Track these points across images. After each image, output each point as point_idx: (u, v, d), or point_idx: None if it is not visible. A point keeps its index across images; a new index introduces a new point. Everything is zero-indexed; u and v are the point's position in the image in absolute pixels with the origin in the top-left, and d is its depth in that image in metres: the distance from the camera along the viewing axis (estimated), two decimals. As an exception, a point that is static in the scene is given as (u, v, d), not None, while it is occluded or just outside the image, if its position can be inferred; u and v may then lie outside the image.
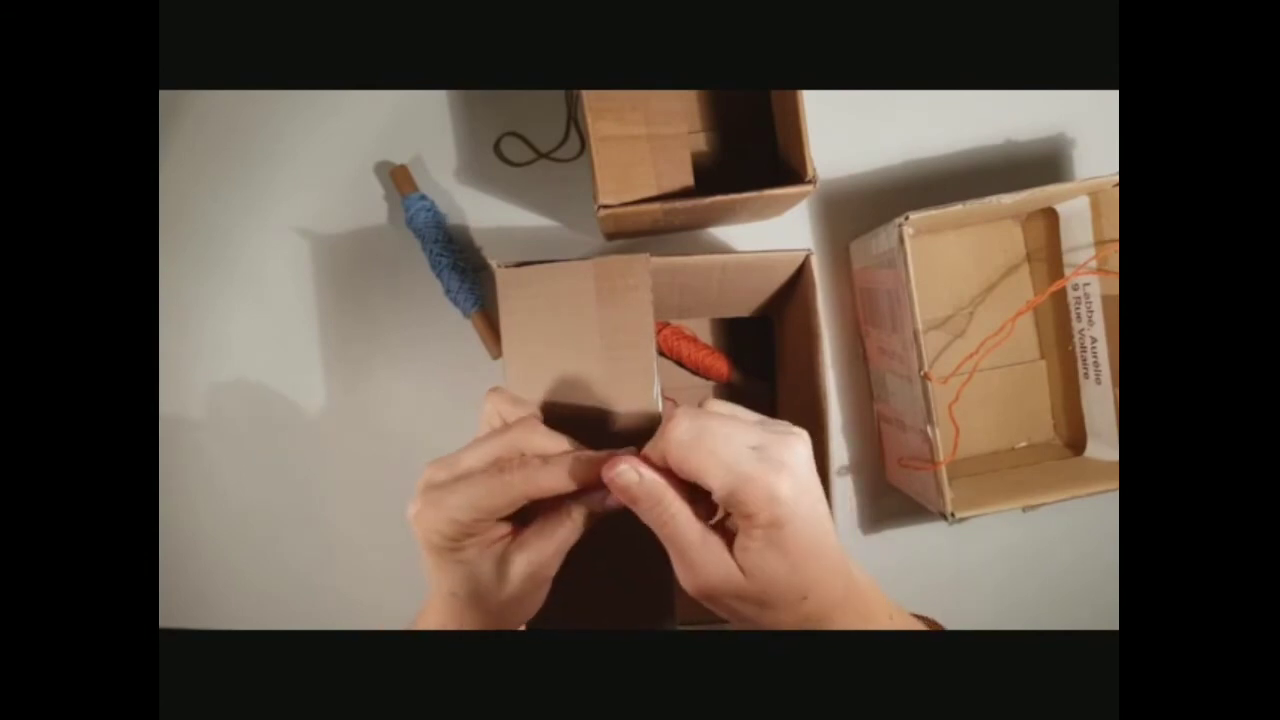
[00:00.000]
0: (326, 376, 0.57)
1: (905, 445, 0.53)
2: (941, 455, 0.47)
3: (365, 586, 0.57)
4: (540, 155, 0.57)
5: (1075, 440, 0.57)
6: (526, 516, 0.33)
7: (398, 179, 0.55)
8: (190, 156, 0.56)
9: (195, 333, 0.57)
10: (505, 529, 0.32)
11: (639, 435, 0.34)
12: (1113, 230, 0.52)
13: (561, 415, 0.37)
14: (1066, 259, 0.55)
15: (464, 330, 0.57)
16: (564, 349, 0.38)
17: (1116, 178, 0.49)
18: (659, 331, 0.56)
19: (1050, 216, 0.56)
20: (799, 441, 0.30)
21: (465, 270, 0.55)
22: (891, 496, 0.59)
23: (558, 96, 0.57)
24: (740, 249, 0.57)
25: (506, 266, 0.38)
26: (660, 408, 0.37)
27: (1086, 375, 0.56)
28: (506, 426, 0.33)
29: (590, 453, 0.32)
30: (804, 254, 0.47)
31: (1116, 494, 0.49)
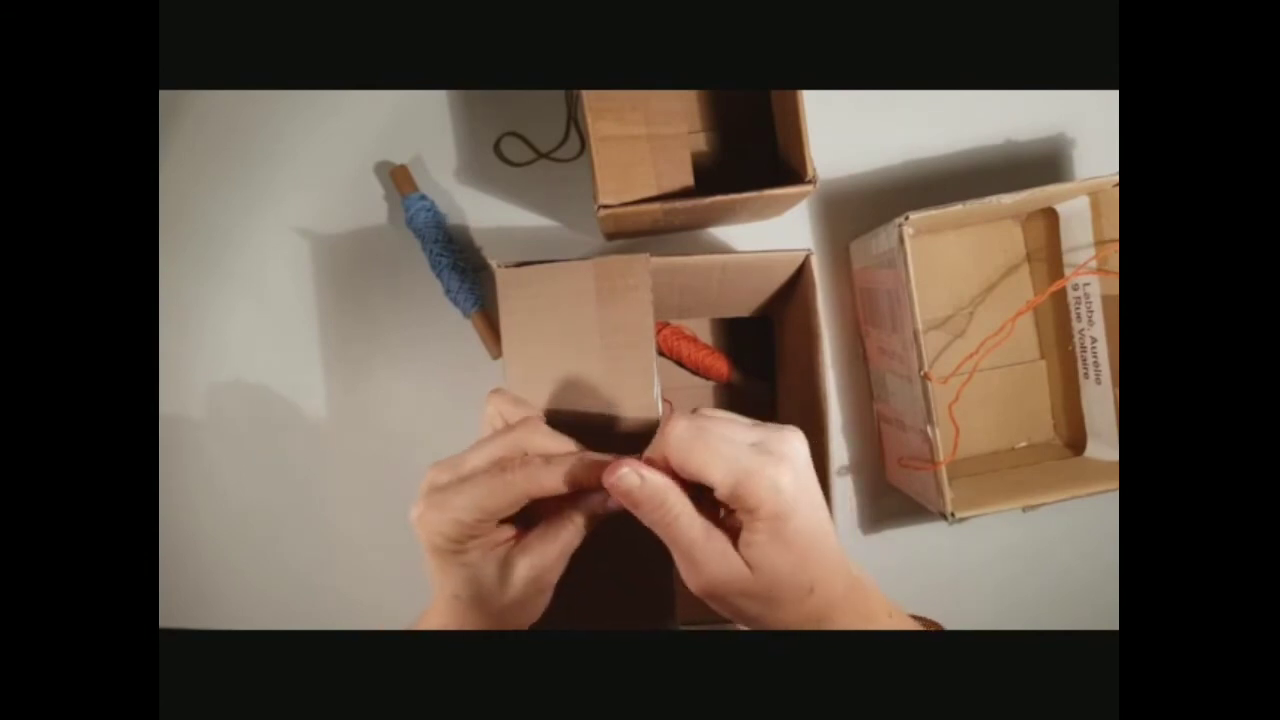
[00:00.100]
0: (326, 376, 0.57)
1: (905, 445, 0.53)
2: (941, 455, 0.47)
3: (365, 586, 0.57)
4: (540, 155, 0.57)
5: (1075, 440, 0.57)
6: (530, 521, 0.33)
7: (398, 179, 0.55)
8: (190, 156, 0.56)
9: (195, 333, 0.57)
10: (509, 532, 0.32)
11: (639, 435, 0.34)
12: (1113, 230, 0.52)
13: (562, 416, 0.37)
14: (1066, 259, 0.55)
15: (464, 330, 0.57)
16: (564, 349, 0.38)
17: (1116, 178, 0.49)
18: (659, 331, 0.56)
19: (1050, 216, 0.56)
20: (796, 437, 0.31)
21: (465, 270, 0.55)
22: (891, 496, 0.59)
23: (558, 96, 0.57)
24: (740, 249, 0.57)
25: (506, 267, 0.38)
26: (660, 408, 0.37)
27: (1086, 375, 0.56)
28: (509, 427, 0.33)
29: (593, 454, 0.32)
30: (804, 254, 0.47)
31: (1116, 494, 0.49)
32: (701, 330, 0.58)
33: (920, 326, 0.47)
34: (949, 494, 0.48)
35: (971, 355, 0.51)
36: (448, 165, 0.57)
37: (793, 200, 0.51)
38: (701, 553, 0.30)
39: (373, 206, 0.57)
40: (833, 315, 0.59)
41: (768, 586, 0.30)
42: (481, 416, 0.35)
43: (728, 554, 0.30)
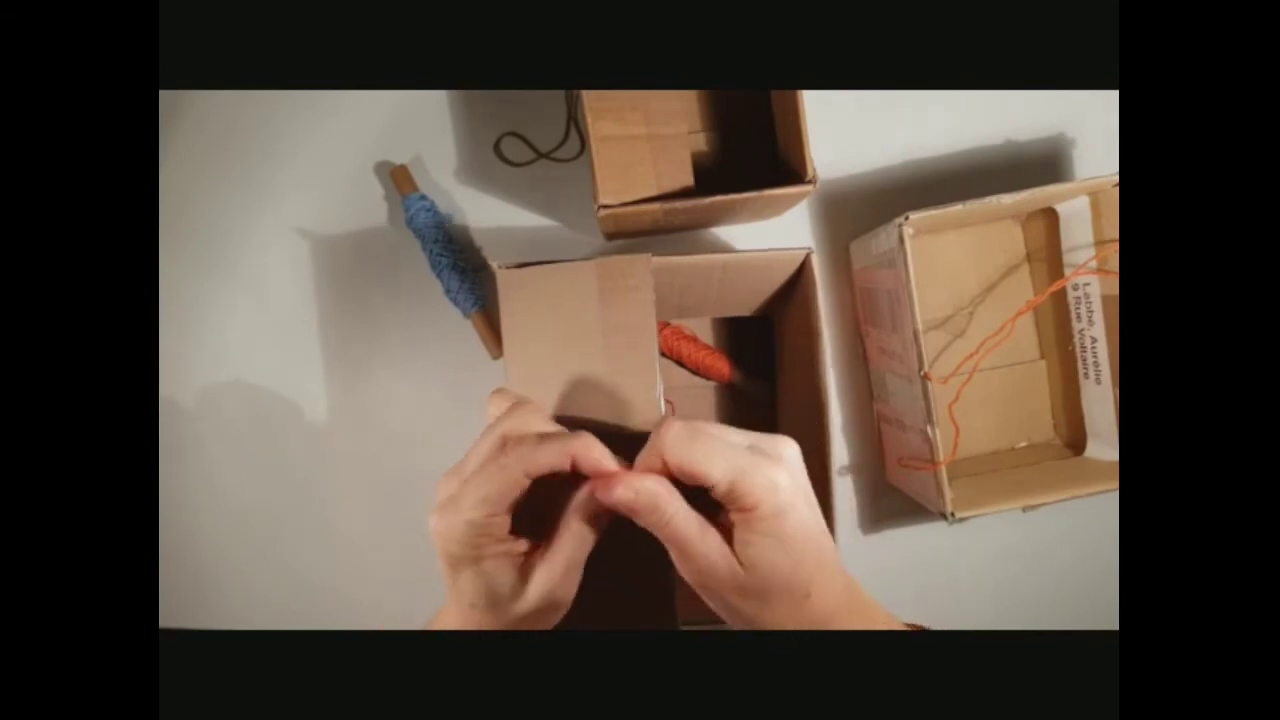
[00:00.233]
0: (326, 376, 0.57)
1: (905, 445, 0.53)
2: (941, 455, 0.47)
3: (365, 586, 0.57)
4: (540, 155, 0.57)
5: (1075, 440, 0.57)
6: (542, 535, 0.33)
7: (398, 179, 0.55)
8: (190, 156, 0.56)
9: (195, 333, 0.57)
10: (523, 545, 0.32)
11: (641, 436, 0.34)
12: (1113, 230, 0.52)
13: (564, 417, 0.37)
14: (1066, 259, 0.55)
15: (464, 330, 0.57)
16: (566, 350, 0.38)
17: (1116, 178, 0.49)
18: (659, 331, 0.56)
19: (1050, 216, 0.56)
20: (789, 443, 0.32)
21: (465, 270, 0.55)
22: (891, 496, 0.59)
23: (558, 96, 0.57)
24: (740, 249, 0.57)
25: (507, 268, 0.38)
26: (663, 408, 0.37)
27: (1086, 375, 0.56)
28: (501, 416, 0.33)
29: (586, 434, 0.32)
30: (804, 252, 0.47)
31: (1116, 494, 0.49)
32: (702, 330, 0.58)
33: (920, 326, 0.47)
34: (949, 494, 0.48)
35: (971, 355, 0.51)
36: (448, 165, 0.57)
37: (793, 200, 0.51)
38: (696, 547, 0.30)
39: (373, 206, 0.57)
40: (833, 315, 0.59)
41: (762, 585, 0.30)
42: (485, 417, 0.35)
43: (722, 549, 0.30)
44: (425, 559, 0.53)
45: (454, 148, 0.57)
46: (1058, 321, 0.58)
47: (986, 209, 0.48)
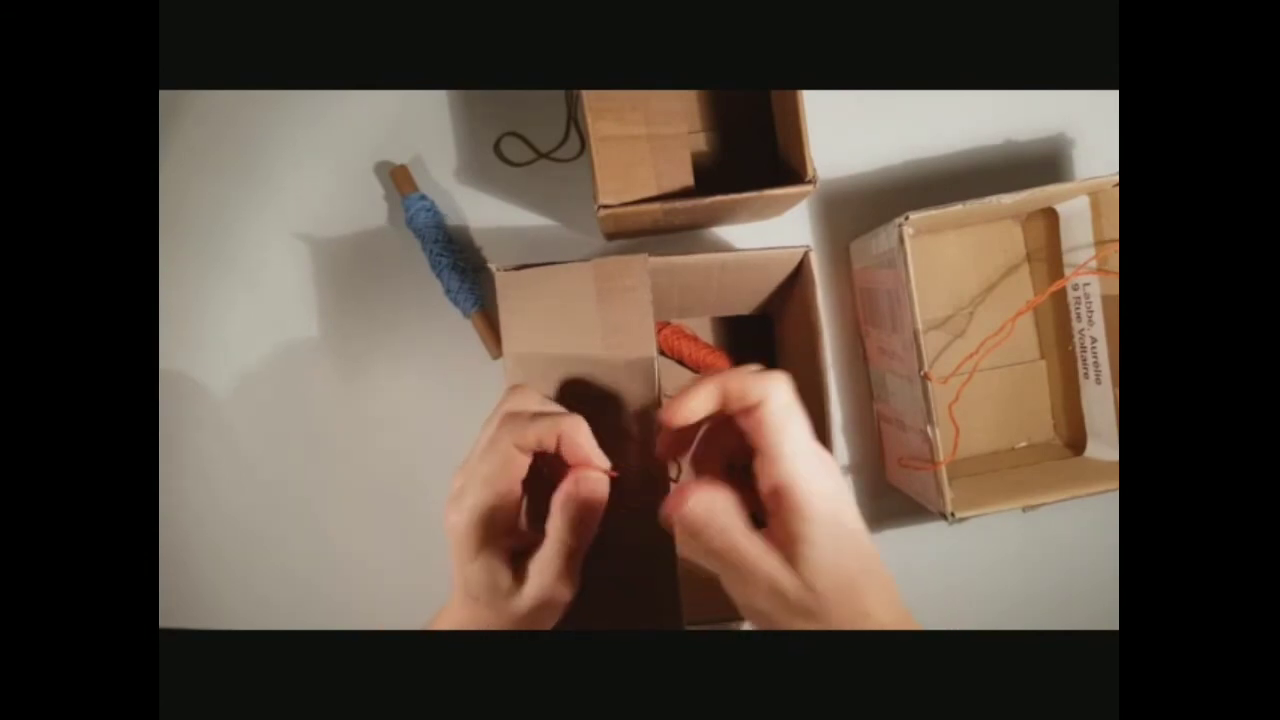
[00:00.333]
0: (326, 376, 0.57)
1: (905, 445, 0.53)
2: (941, 455, 0.47)
3: (364, 586, 0.57)
4: (540, 155, 0.57)
5: (1075, 440, 0.57)
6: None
7: (398, 179, 0.55)
8: (190, 156, 0.56)
9: (195, 332, 0.57)
10: (534, 539, 0.32)
11: (642, 436, 0.34)
12: (1113, 230, 0.52)
13: None
14: (1066, 259, 0.55)
15: (464, 330, 0.57)
16: (565, 351, 0.38)
17: (1116, 178, 0.49)
18: (659, 331, 0.56)
19: (1050, 216, 0.56)
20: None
21: (465, 270, 0.55)
22: (891, 496, 0.59)
23: (558, 96, 0.57)
24: (740, 249, 0.57)
25: (505, 270, 0.39)
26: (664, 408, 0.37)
27: (1086, 375, 0.56)
28: (501, 401, 0.33)
29: (577, 417, 0.32)
30: (803, 250, 0.47)
31: (1116, 494, 0.49)
32: (702, 329, 0.58)
33: (920, 326, 0.47)
34: (949, 494, 0.48)
35: (971, 355, 0.51)
36: (448, 165, 0.57)
37: (793, 200, 0.51)
38: (755, 564, 0.29)
39: (373, 206, 0.57)
40: (833, 315, 0.59)
41: (821, 599, 0.30)
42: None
43: (782, 570, 0.30)
44: (425, 558, 0.53)
45: (454, 148, 0.57)
46: (1058, 321, 0.58)
47: (986, 209, 0.48)
